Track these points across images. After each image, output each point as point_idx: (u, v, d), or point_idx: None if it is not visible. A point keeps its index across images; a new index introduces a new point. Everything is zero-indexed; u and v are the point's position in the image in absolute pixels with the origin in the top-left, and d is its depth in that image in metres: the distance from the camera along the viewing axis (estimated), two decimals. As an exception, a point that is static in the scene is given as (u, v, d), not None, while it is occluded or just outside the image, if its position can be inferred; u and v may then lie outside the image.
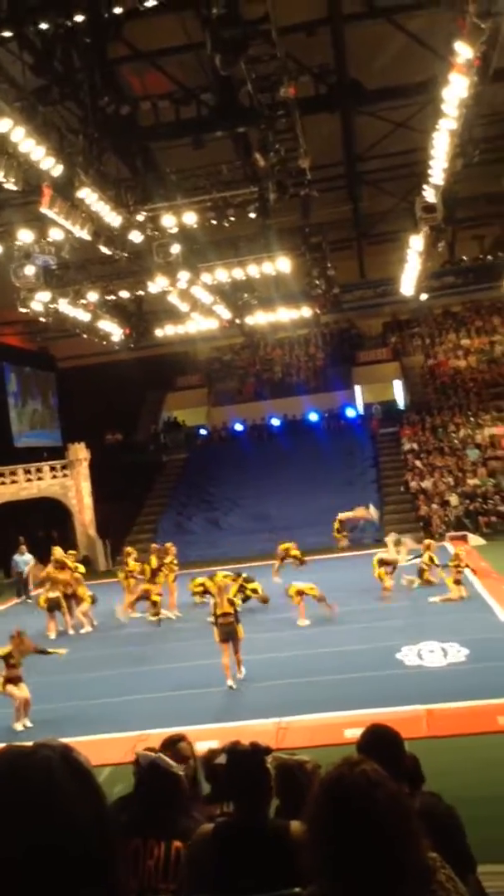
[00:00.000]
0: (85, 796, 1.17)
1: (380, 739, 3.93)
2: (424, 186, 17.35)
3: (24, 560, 26.34)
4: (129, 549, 23.98)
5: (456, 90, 12.67)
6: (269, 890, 3.46)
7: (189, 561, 27.64)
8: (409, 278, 25.26)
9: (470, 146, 16.17)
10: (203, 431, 40.27)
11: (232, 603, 13.93)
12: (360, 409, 39.27)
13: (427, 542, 21.18)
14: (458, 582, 18.39)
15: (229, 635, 13.57)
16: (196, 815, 4.36)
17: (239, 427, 39.00)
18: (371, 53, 17.24)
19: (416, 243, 21.10)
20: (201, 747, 8.15)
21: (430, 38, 15.62)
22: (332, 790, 1.98)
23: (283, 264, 21.95)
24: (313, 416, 38.09)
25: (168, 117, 16.84)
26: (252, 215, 17.91)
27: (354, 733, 10.47)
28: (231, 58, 11.10)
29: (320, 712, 11.84)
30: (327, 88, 17.42)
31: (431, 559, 20.12)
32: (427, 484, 31.58)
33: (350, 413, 38.70)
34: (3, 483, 32.11)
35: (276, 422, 38.29)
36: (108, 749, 10.55)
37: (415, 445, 33.92)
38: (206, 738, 9.73)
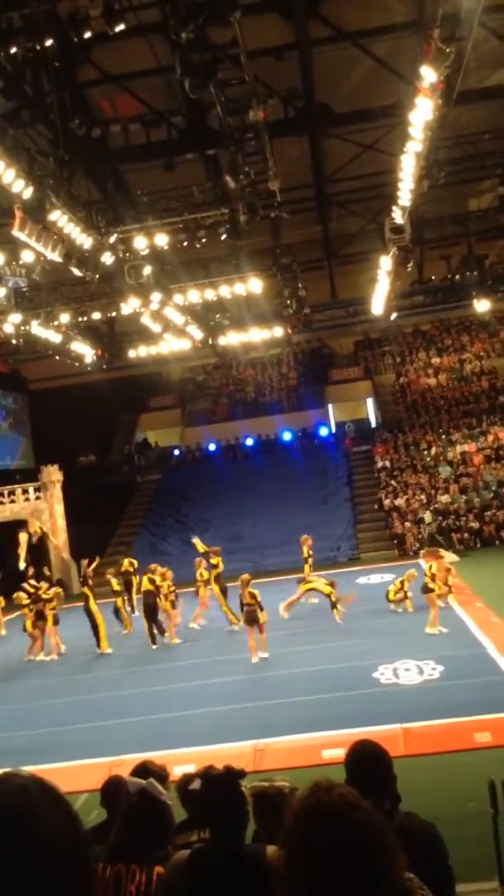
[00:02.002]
0: (62, 821, 1.17)
1: (368, 756, 3.91)
2: (393, 208, 17.58)
3: None
4: (109, 572, 23.19)
5: (422, 113, 12.89)
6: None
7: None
8: (380, 298, 25.50)
9: (436, 168, 16.43)
10: (176, 452, 40.21)
11: (253, 595, 16.35)
12: (333, 428, 39.47)
13: (409, 572, 20.18)
14: (440, 597, 17.88)
15: (253, 620, 16.29)
16: (176, 842, 4.30)
17: (212, 447, 39.01)
18: (339, 77, 17.48)
19: (386, 263, 21.33)
20: (177, 772, 8.08)
21: (397, 63, 15.91)
22: (310, 815, 1.96)
23: (254, 285, 22.08)
24: (287, 436, 38.21)
25: (138, 140, 16.94)
26: (223, 237, 18.01)
27: (332, 753, 10.51)
28: (200, 82, 11.20)
29: (297, 733, 11.78)
30: (296, 112, 17.64)
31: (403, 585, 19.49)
32: (400, 501, 31.75)
33: (323, 432, 38.87)
34: (-25, 506, 31.84)
35: (249, 441, 38.35)
36: (83, 775, 10.40)
37: (387, 463, 34.12)
38: (182, 763, 9.63)
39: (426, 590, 17.39)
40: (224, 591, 20.36)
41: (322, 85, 17.38)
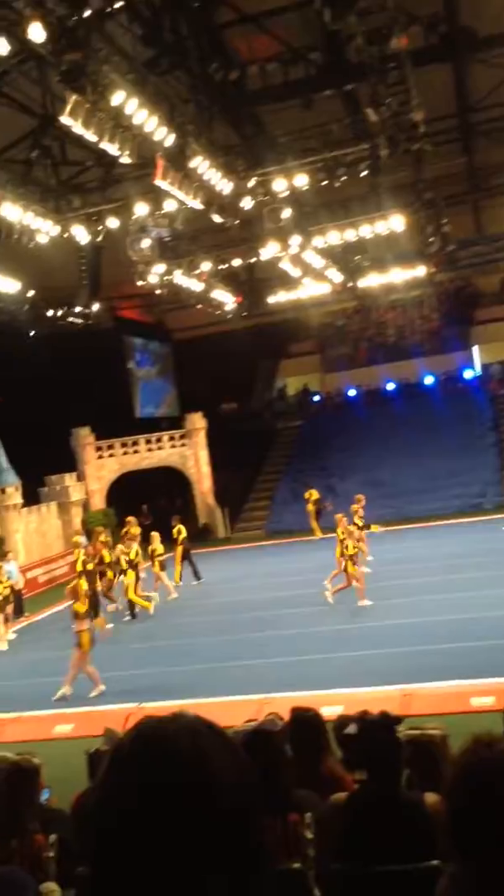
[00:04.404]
0: (232, 763, 1.17)
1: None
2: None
3: (13, 569, 21.77)
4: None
5: None
6: (402, 859, 3.43)
7: (307, 528, 27.85)
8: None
9: None
10: (317, 398, 40.10)
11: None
12: (479, 370, 38.10)
13: None
14: None
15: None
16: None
17: (353, 393, 38.61)
18: (484, -2, 16.44)
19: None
20: (328, 712, 8.20)
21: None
22: (471, 770, 1.97)
23: (395, 222, 21.35)
24: (429, 380, 37.24)
25: (276, 79, 16.62)
26: (363, 173, 17.49)
27: (481, 701, 10.36)
28: (340, 11, 10.79)
29: (445, 680, 11.68)
30: (438, 38, 16.73)
31: None
32: (551, 446, 30.42)
33: (468, 374, 37.61)
34: (127, 453, 33.11)
35: (390, 386, 37.66)
36: (234, 712, 10.73)
37: (537, 406, 32.69)
38: (330, 703, 9.79)
39: None
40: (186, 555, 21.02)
41: (466, 7, 16.42)
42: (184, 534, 22.75)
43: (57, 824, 4.59)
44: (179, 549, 22.71)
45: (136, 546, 20.41)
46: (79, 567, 18.24)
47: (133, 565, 19.80)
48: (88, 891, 1.17)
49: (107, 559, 20.54)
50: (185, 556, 22.76)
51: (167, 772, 1.11)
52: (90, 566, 19.09)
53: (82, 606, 13.86)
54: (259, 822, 1.19)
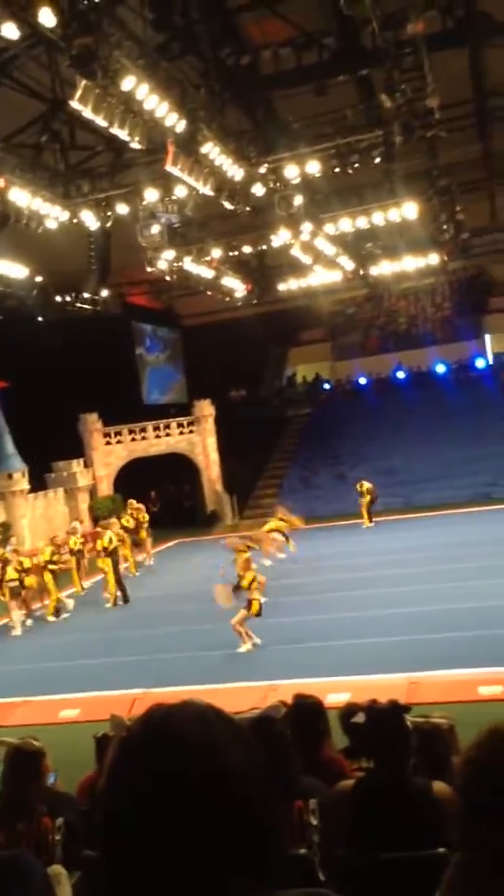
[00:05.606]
0: (243, 752, 1.17)
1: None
2: None
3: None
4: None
5: None
6: (408, 846, 3.43)
7: (315, 515, 27.80)
8: (544, 219, 23.97)
9: None
10: (327, 386, 40.02)
11: None
12: (491, 360, 37.92)
13: None
14: None
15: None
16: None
17: (363, 381, 38.50)
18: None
19: (552, 181, 19.93)
20: (334, 699, 8.22)
21: None
22: (487, 764, 1.96)
23: (408, 210, 21.20)
24: (440, 368, 37.10)
25: (289, 65, 16.49)
26: (377, 160, 17.34)
27: (490, 691, 10.35)
28: (355, -5, 10.67)
29: (452, 668, 11.68)
30: (455, 22, 16.55)
31: None
32: None
33: (480, 363, 37.45)
34: (135, 439, 33.15)
35: (401, 374, 37.54)
36: (238, 699, 10.75)
37: (549, 396, 32.53)
38: (336, 691, 9.82)
39: None
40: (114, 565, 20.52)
41: (483, -9, 16.21)
42: (114, 543, 20.70)
43: (64, 807, 4.61)
44: (108, 561, 20.41)
45: (109, 533, 20.90)
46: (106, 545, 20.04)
47: (109, 553, 20.33)
48: (95, 874, 1.17)
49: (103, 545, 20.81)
50: (116, 569, 20.52)
51: (178, 760, 1.11)
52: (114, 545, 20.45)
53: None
54: (271, 809, 1.18)
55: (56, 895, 3.57)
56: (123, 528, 23.44)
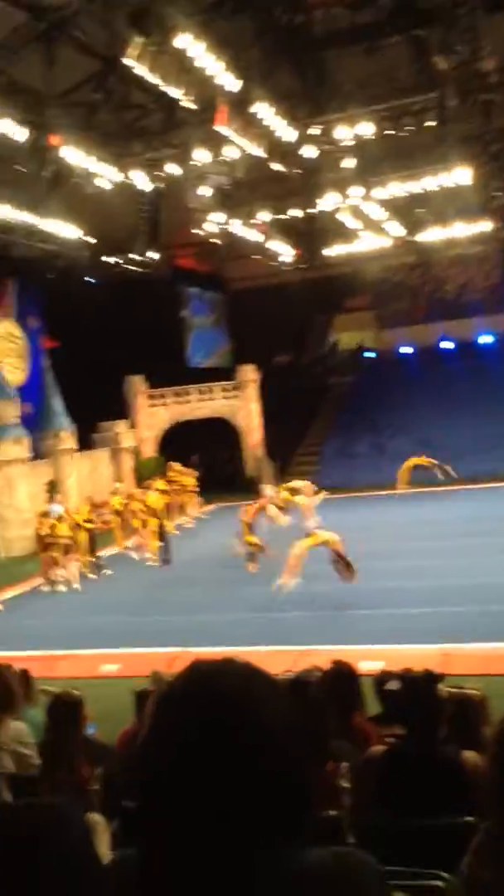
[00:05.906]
0: (283, 710, 1.18)
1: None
2: None
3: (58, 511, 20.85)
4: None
5: None
6: (436, 814, 3.49)
7: (355, 485, 27.73)
8: None
9: None
10: (371, 354, 39.62)
11: None
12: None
13: None
14: None
15: None
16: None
17: (408, 350, 38.04)
18: None
19: None
20: (367, 667, 8.29)
21: None
22: None
23: (461, 175, 20.74)
24: (487, 339, 36.47)
25: (342, 24, 16.16)
26: (430, 123, 16.99)
27: (524, 665, 10.32)
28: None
29: (486, 641, 11.67)
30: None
31: None
32: None
33: (528, 334, 36.74)
34: (178, 403, 33.28)
35: (446, 345, 36.97)
36: (270, 662, 10.88)
37: None
38: (369, 658, 9.89)
39: None
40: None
41: None
42: (159, 503, 21.08)
43: (103, 758, 4.76)
44: (152, 521, 20.65)
45: (152, 493, 21.62)
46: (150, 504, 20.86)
47: (152, 512, 20.76)
48: (135, 824, 1.20)
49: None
50: (160, 529, 20.59)
51: (221, 710, 1.12)
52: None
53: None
54: (307, 768, 1.19)
55: (95, 842, 3.70)
56: (161, 490, 23.69)
